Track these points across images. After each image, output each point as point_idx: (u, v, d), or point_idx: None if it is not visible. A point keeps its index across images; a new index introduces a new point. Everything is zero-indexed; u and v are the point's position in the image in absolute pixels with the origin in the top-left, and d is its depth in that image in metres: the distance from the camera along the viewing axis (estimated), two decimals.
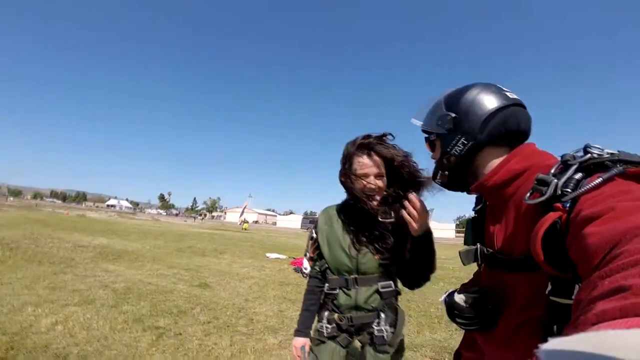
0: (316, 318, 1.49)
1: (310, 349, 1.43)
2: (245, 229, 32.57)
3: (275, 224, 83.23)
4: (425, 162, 1.34)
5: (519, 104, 0.84)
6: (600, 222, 0.48)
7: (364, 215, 1.35)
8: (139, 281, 5.10)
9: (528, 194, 0.68)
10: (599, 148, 0.62)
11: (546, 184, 0.63)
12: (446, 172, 0.93)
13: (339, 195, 1.45)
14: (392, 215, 1.30)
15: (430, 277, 1.34)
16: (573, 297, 0.60)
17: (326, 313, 1.42)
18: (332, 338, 1.41)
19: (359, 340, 1.42)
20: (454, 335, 3.50)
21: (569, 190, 0.60)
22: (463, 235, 1.07)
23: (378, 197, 1.33)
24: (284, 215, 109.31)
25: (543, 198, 0.63)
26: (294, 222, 75.81)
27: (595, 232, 0.46)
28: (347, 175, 1.34)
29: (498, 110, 0.81)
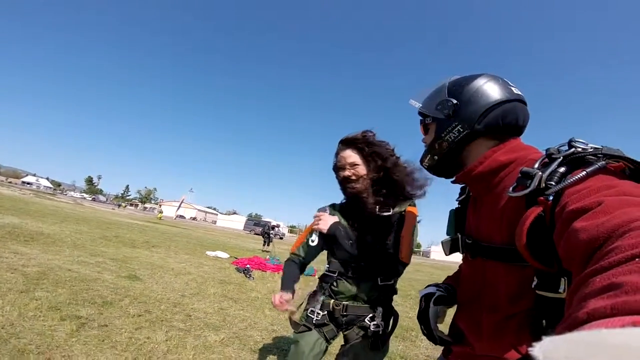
0: (305, 301, 1.45)
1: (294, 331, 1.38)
2: (160, 219, 30.66)
3: (215, 222, 79.24)
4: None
5: (521, 101, 0.85)
6: (589, 216, 0.48)
7: (363, 211, 1.37)
8: (56, 267, 4.45)
9: (512, 187, 0.69)
10: (583, 142, 0.64)
11: (530, 177, 0.64)
12: (435, 157, 0.93)
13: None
14: (390, 210, 1.36)
15: (401, 270, 1.38)
16: (560, 290, 0.62)
17: (322, 297, 1.38)
18: (319, 326, 1.37)
19: (346, 336, 1.37)
20: None
21: (552, 183, 0.61)
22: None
23: (358, 186, 1.36)
24: (226, 214, 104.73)
25: (527, 191, 0.64)
26: (237, 222, 73.04)
27: (584, 228, 0.46)
28: (334, 169, 1.47)
29: (500, 103, 0.82)
